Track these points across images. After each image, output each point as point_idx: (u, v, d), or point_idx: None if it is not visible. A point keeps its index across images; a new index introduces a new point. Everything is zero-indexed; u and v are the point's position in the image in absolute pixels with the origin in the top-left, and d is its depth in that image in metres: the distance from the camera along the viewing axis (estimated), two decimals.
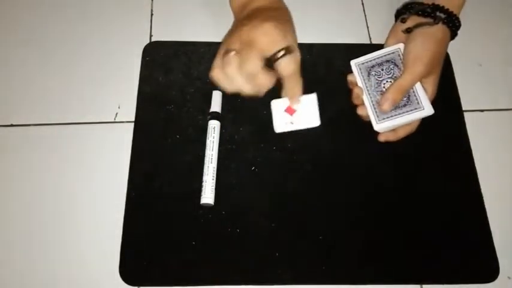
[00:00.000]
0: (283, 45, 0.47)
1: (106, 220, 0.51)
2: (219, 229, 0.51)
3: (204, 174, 0.52)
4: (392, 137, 0.53)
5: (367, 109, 0.51)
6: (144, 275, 0.49)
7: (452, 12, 0.50)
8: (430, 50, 0.50)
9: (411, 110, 0.50)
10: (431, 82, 0.51)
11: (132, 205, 0.51)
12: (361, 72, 0.52)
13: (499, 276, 0.50)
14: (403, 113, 0.50)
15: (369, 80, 0.52)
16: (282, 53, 0.47)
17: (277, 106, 0.52)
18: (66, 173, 0.53)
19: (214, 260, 0.49)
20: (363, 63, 0.53)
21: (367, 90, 0.52)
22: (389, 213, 0.52)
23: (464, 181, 0.54)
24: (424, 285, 0.50)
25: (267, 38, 0.47)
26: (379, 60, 0.52)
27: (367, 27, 0.63)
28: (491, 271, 0.50)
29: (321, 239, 0.50)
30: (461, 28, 0.52)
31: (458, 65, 0.60)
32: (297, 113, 0.51)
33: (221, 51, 0.49)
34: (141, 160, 0.53)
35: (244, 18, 0.50)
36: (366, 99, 0.52)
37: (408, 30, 0.51)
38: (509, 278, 0.50)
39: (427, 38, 0.50)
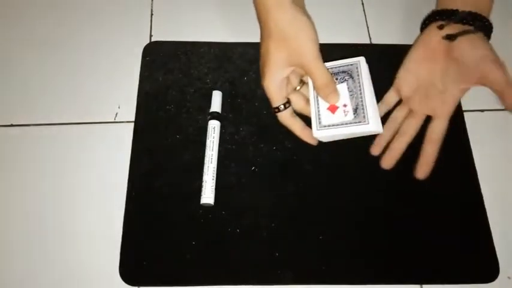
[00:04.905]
0: (278, 103, 0.50)
1: (106, 220, 0.51)
2: (219, 229, 0.51)
3: (204, 174, 0.52)
4: None
5: (311, 114, 0.49)
6: (144, 275, 0.49)
7: (488, 20, 0.50)
8: (484, 55, 0.48)
9: (355, 123, 0.47)
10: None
11: (132, 205, 0.51)
12: None
13: (499, 276, 0.50)
14: (346, 123, 0.48)
15: None
16: (277, 110, 0.50)
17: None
18: (66, 173, 0.53)
19: (214, 260, 0.49)
20: None
21: (316, 95, 0.49)
22: (389, 213, 0.52)
23: (464, 181, 0.54)
24: (424, 285, 0.50)
25: (268, 95, 0.50)
26: (335, 70, 0.50)
27: (367, 27, 0.63)
28: (491, 271, 0.50)
29: (321, 239, 0.50)
30: None
31: None
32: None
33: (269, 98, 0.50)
34: (141, 160, 0.53)
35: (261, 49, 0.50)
36: (312, 103, 0.49)
37: (450, 37, 0.49)
38: (509, 278, 0.50)
39: (479, 44, 0.49)
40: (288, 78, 0.50)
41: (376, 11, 0.64)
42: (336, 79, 0.49)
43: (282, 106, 0.50)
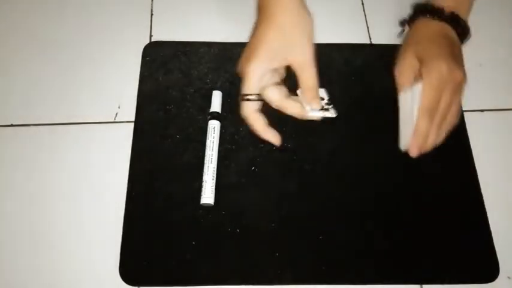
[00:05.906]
0: (252, 91, 0.47)
1: (106, 220, 0.51)
2: (219, 229, 0.51)
3: (204, 174, 0.52)
4: None
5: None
6: (144, 275, 0.49)
7: (465, 23, 0.51)
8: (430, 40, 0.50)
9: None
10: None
11: (132, 205, 0.51)
12: None
13: (499, 276, 0.50)
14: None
15: None
16: (247, 98, 0.47)
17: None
18: (66, 173, 0.53)
19: (214, 260, 0.49)
20: None
21: None
22: (389, 213, 0.52)
23: (464, 181, 0.54)
24: (424, 285, 0.50)
25: (246, 79, 0.47)
26: None
27: (367, 27, 0.63)
28: (491, 271, 0.50)
29: (321, 239, 0.50)
30: None
31: None
32: None
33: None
34: (141, 160, 0.53)
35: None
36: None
37: (404, 22, 0.52)
38: (509, 278, 0.50)
39: (423, 29, 0.51)
40: (272, 71, 0.48)
41: (376, 11, 0.64)
42: None
43: (255, 96, 0.47)
